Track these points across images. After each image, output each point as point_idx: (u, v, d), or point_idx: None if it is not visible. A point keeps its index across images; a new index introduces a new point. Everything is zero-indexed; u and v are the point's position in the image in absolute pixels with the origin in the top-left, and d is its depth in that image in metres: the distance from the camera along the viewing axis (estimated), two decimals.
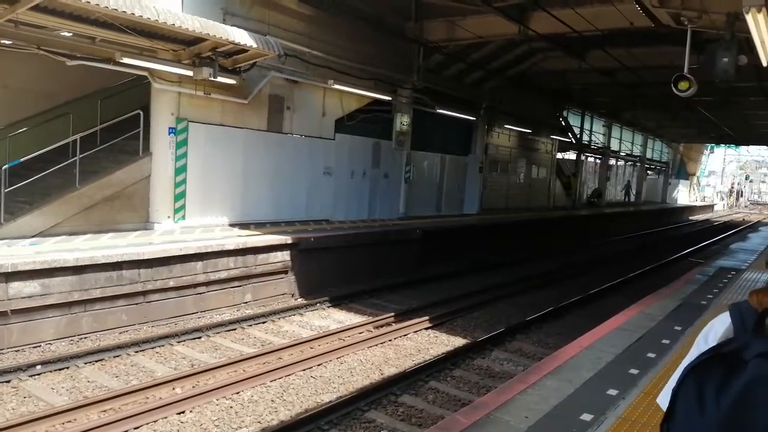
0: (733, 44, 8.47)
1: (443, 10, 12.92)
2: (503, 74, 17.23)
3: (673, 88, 9.43)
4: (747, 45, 8.41)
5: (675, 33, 10.00)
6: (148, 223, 10.03)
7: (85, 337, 7.46)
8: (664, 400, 1.37)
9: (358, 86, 13.16)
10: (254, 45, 9.23)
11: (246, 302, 9.51)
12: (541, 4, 11.23)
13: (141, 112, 10.06)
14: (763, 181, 76.78)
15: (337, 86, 12.54)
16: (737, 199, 63.48)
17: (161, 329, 8.01)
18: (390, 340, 8.17)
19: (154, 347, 7.31)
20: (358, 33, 13.07)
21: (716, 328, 1.33)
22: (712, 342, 1.30)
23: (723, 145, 44.44)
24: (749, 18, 6.75)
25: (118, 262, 7.75)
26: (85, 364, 6.61)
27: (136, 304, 8.05)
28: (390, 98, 14.47)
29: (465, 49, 15.28)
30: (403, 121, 15.13)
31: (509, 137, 21.02)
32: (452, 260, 14.03)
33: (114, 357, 6.89)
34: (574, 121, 25.90)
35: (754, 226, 33.50)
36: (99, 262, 7.55)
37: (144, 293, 8.11)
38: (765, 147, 45.36)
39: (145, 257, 8.05)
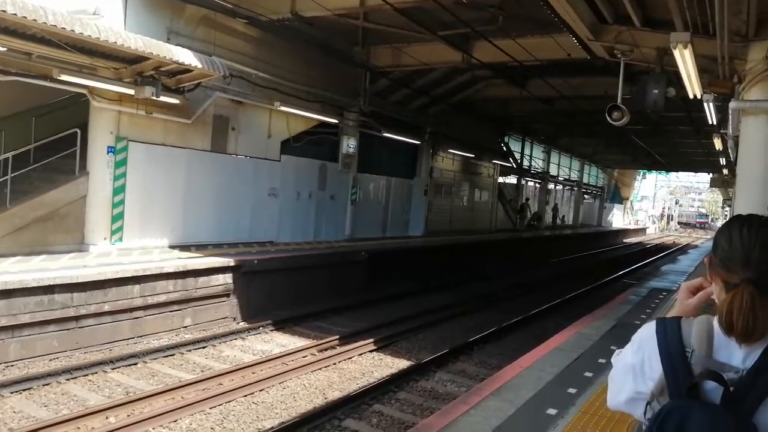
0: (662, 77, 8.96)
1: (389, 37, 13.15)
2: (447, 100, 17.62)
3: (607, 117, 9.87)
4: (675, 78, 8.91)
5: (609, 65, 10.51)
6: (83, 244, 9.66)
7: (12, 365, 7.07)
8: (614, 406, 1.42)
9: (304, 108, 13.17)
10: (199, 65, 9.13)
11: (185, 326, 9.25)
12: (483, 34, 11.59)
13: (78, 131, 9.75)
14: (691, 206, 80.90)
15: (283, 108, 12.52)
16: (668, 222, 66.55)
17: (95, 355, 7.68)
18: (334, 364, 8.10)
19: (87, 374, 7.00)
20: (306, 56, 13.13)
21: (644, 359, 1.31)
22: (649, 376, 1.29)
23: (654, 171, 46.65)
24: (677, 53, 7.17)
25: (49, 285, 7.42)
26: (11, 393, 6.26)
27: (68, 329, 7.70)
28: (337, 121, 14.54)
29: (411, 75, 15.57)
30: (349, 144, 15.21)
31: (453, 161, 21.44)
32: (398, 282, 14.09)
33: (43, 385, 6.55)
34: (515, 146, 26.68)
35: (684, 249, 35.17)
36: (29, 286, 7.20)
37: (77, 318, 7.78)
38: (693, 173, 47.72)
39: (79, 280, 7.74)
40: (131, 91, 9.39)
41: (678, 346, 1.26)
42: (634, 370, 1.34)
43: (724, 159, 21.18)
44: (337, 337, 9.13)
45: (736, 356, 1.22)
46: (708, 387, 1.21)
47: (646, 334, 1.34)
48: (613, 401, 1.43)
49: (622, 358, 1.40)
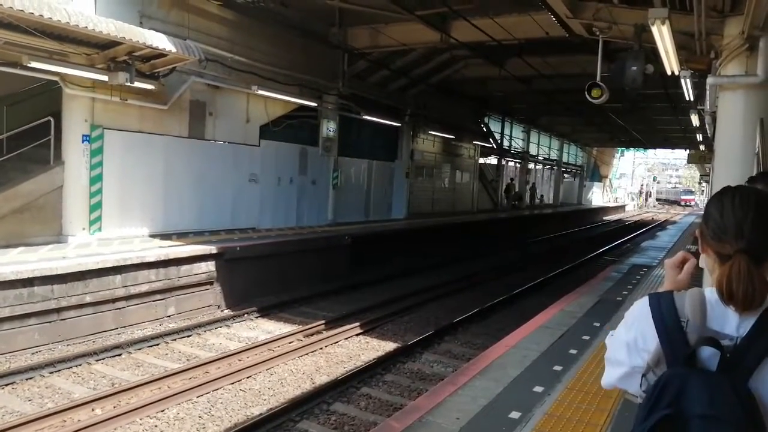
0: (640, 54, 8.98)
1: (367, 17, 13.01)
2: (427, 81, 17.54)
3: (587, 95, 9.90)
4: (653, 55, 8.94)
5: (587, 42, 10.50)
6: (61, 235, 9.49)
7: None
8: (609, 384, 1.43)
9: (282, 92, 13.02)
10: (173, 49, 8.95)
11: (169, 316, 9.17)
12: (461, 13, 11.51)
13: (52, 119, 9.52)
14: (669, 182, 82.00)
15: (261, 92, 12.35)
16: (646, 199, 67.44)
17: (78, 348, 7.58)
18: (321, 349, 8.11)
19: (71, 367, 6.91)
20: (283, 39, 12.95)
21: (639, 333, 1.33)
22: (643, 348, 1.31)
23: (632, 148, 47.11)
24: (654, 30, 7.18)
25: (29, 278, 7.28)
26: None
27: (50, 322, 7.59)
28: (316, 104, 14.41)
29: (389, 56, 15.45)
30: (329, 128, 15.09)
31: (434, 143, 21.41)
32: (382, 265, 14.11)
33: (26, 379, 6.46)
34: (495, 127, 26.73)
35: (663, 225, 35.68)
36: (7, 279, 7.06)
37: (58, 310, 7.66)
38: (671, 150, 48.31)
39: (59, 272, 7.60)
40: (105, 78, 9.18)
41: (673, 316, 1.29)
42: (629, 346, 1.35)
43: (700, 135, 21.45)
44: (323, 321, 9.13)
45: (729, 324, 1.25)
46: (705, 355, 1.24)
47: (640, 308, 1.36)
48: (608, 379, 1.43)
49: (616, 338, 1.42)
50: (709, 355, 1.23)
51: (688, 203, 65.15)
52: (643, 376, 1.30)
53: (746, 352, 1.21)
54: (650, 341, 1.30)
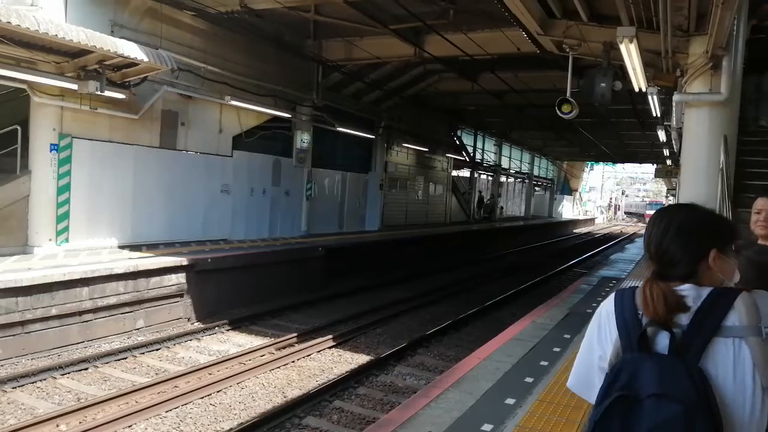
0: (609, 71, 9.19)
1: (341, 30, 13.07)
2: (401, 94, 17.68)
3: (557, 111, 10.08)
4: (621, 72, 9.16)
5: (558, 59, 10.71)
6: (26, 246, 9.27)
7: None
8: (572, 384, 1.49)
9: (256, 103, 12.98)
10: (145, 58, 8.85)
11: (138, 329, 8.99)
12: (435, 28, 11.65)
13: (19, 128, 9.32)
14: (637, 196, 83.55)
15: (234, 102, 12.29)
16: (615, 212, 68.59)
17: (43, 361, 7.38)
18: (293, 362, 8.03)
19: (35, 381, 6.73)
20: (257, 49, 12.92)
21: (604, 329, 1.41)
22: (606, 343, 1.38)
23: (602, 162, 48.01)
24: (623, 47, 7.37)
25: None
26: None
27: (14, 335, 7.37)
28: (290, 116, 14.38)
29: (363, 69, 15.53)
30: (303, 139, 15.07)
31: (407, 155, 21.53)
32: (355, 277, 14.07)
33: None
34: (467, 140, 27.00)
35: (631, 238, 36.35)
36: None
37: (23, 323, 7.46)
38: (638, 164, 49.33)
39: (24, 284, 7.40)
40: (74, 86, 9.03)
41: (632, 310, 1.36)
42: (592, 341, 1.43)
43: (667, 150, 21.94)
44: (295, 334, 9.05)
45: (682, 316, 1.32)
46: (658, 340, 1.30)
47: (605, 304, 1.45)
48: (574, 379, 1.49)
49: (585, 337, 1.48)
50: (662, 339, 1.30)
51: None
52: (607, 374, 1.35)
53: (695, 333, 1.27)
54: (613, 332, 1.37)
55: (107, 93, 9.30)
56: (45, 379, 6.82)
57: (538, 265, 19.29)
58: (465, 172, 28.20)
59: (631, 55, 7.62)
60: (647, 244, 1.42)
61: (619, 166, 56.94)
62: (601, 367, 1.37)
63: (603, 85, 9.18)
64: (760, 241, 2.87)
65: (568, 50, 9.54)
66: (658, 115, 12.38)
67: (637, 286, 1.40)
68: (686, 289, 1.33)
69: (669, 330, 1.28)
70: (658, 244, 1.39)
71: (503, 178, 33.04)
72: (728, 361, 1.24)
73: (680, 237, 1.37)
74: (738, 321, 1.26)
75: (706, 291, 1.32)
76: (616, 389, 1.25)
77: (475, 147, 27.61)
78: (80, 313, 8.16)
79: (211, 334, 9.23)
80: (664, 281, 1.34)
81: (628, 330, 1.34)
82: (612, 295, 1.43)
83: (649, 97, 10.21)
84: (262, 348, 8.37)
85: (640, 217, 66.49)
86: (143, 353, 8.06)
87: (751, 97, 8.94)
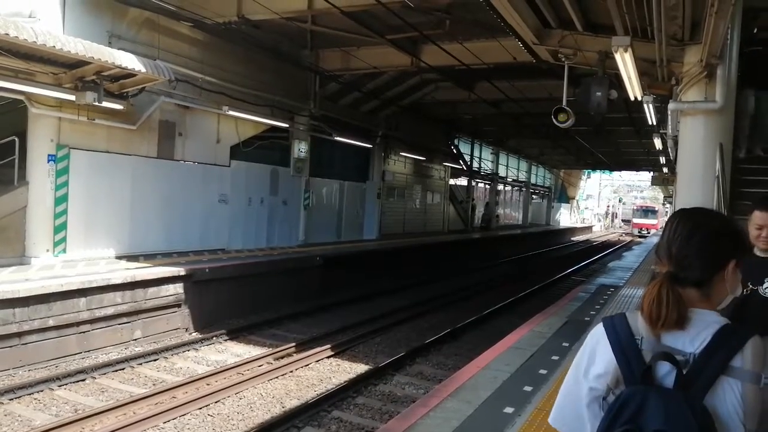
0: (604, 80, 9.23)
1: (338, 40, 13.13)
2: (398, 103, 17.73)
3: (554, 119, 10.11)
4: (617, 80, 9.20)
5: (554, 68, 10.76)
6: (24, 257, 9.25)
7: None
8: (555, 418, 1.43)
9: (254, 113, 13.01)
10: (142, 69, 8.88)
11: (135, 339, 8.97)
12: (431, 37, 11.71)
13: (17, 139, 9.33)
14: (634, 203, 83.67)
15: (232, 112, 12.32)
16: (612, 220, 68.66)
17: (40, 373, 7.35)
18: (291, 372, 8.01)
19: (32, 393, 6.70)
20: (254, 60, 12.97)
21: (596, 358, 1.36)
22: (593, 378, 1.33)
23: (598, 170, 48.11)
24: (618, 57, 7.41)
25: None
26: None
27: (11, 346, 7.35)
28: (287, 125, 14.41)
29: (361, 79, 15.59)
30: (300, 148, 15.10)
31: (405, 164, 21.57)
32: (353, 286, 14.06)
33: None
34: (464, 148, 27.06)
35: (628, 246, 36.36)
36: None
37: (20, 334, 7.43)
38: (635, 172, 49.44)
39: (21, 295, 7.39)
40: (72, 97, 9.05)
41: (628, 335, 1.32)
42: (579, 374, 1.39)
43: (663, 158, 22.02)
44: (294, 344, 9.03)
45: (681, 341, 1.29)
46: (661, 372, 1.27)
47: (595, 333, 1.40)
48: (558, 414, 1.45)
49: (573, 367, 1.43)
50: (665, 372, 1.27)
51: (643, 230, 47.25)
52: (604, 399, 1.32)
53: (702, 369, 1.25)
54: (609, 362, 1.33)
55: (105, 104, 9.32)
56: (42, 391, 6.79)
57: (536, 273, 19.30)
58: (462, 181, 28.24)
59: (626, 64, 7.66)
60: (666, 246, 1.37)
61: (616, 173, 57.10)
62: (595, 397, 1.34)
63: (599, 93, 9.22)
64: (757, 253, 2.89)
65: (563, 59, 9.59)
66: (654, 123, 12.43)
67: (625, 312, 1.38)
68: (699, 312, 1.31)
69: (675, 363, 1.25)
70: (680, 247, 1.35)
71: (501, 187, 33.08)
72: (733, 401, 1.23)
73: (707, 244, 1.34)
74: (741, 363, 1.24)
75: (717, 321, 1.30)
76: (620, 423, 1.23)
77: (472, 155, 27.67)
78: (78, 323, 8.14)
79: (209, 345, 9.20)
80: (679, 285, 1.32)
81: (628, 357, 1.30)
82: (600, 325, 1.39)
83: (645, 105, 10.25)
84: (261, 358, 8.35)
85: (627, 223, 63.71)
86: (141, 364, 8.03)
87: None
